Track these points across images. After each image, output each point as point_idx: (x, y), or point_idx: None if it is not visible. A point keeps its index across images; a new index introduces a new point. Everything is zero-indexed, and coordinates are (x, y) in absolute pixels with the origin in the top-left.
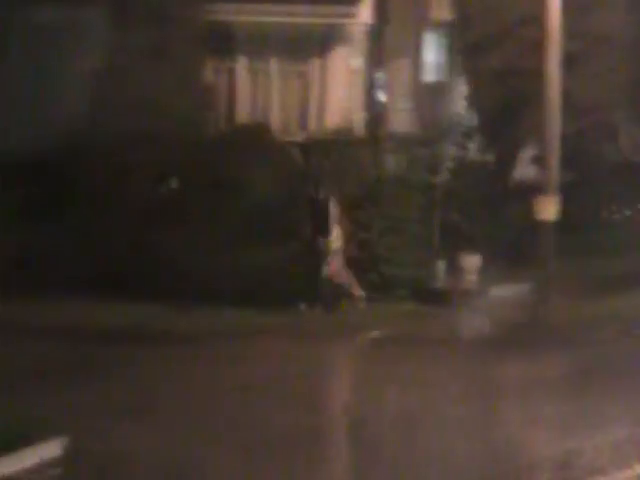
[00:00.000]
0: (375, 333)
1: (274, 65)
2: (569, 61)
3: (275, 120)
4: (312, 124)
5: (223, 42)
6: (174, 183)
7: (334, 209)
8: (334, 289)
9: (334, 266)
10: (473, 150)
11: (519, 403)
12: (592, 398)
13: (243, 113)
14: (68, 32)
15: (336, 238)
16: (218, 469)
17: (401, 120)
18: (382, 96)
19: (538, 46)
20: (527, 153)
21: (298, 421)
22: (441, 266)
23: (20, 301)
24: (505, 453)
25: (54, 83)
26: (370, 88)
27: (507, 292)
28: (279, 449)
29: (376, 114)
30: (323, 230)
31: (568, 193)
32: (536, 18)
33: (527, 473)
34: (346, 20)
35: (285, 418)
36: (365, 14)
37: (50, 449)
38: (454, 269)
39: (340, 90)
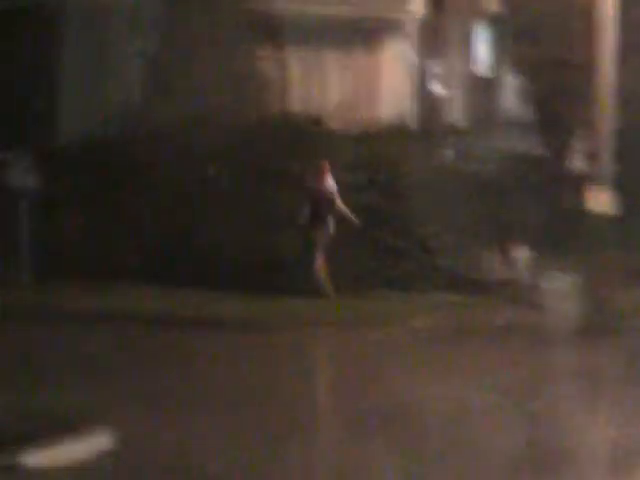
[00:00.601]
0: (419, 322)
1: (326, 56)
2: (624, 52)
3: (326, 111)
4: (363, 115)
5: (275, 31)
6: (224, 170)
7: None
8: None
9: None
10: (523, 142)
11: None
12: None
13: (294, 103)
14: (125, 16)
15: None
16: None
17: (453, 112)
18: (434, 87)
19: (590, 37)
20: (578, 145)
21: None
22: (489, 257)
23: (72, 287)
24: None
25: (109, 67)
26: (422, 79)
27: (556, 283)
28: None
29: (428, 105)
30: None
31: (619, 185)
32: (589, 7)
33: None
34: (398, 11)
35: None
36: (418, 5)
37: (101, 440)
38: (503, 259)
39: (392, 81)
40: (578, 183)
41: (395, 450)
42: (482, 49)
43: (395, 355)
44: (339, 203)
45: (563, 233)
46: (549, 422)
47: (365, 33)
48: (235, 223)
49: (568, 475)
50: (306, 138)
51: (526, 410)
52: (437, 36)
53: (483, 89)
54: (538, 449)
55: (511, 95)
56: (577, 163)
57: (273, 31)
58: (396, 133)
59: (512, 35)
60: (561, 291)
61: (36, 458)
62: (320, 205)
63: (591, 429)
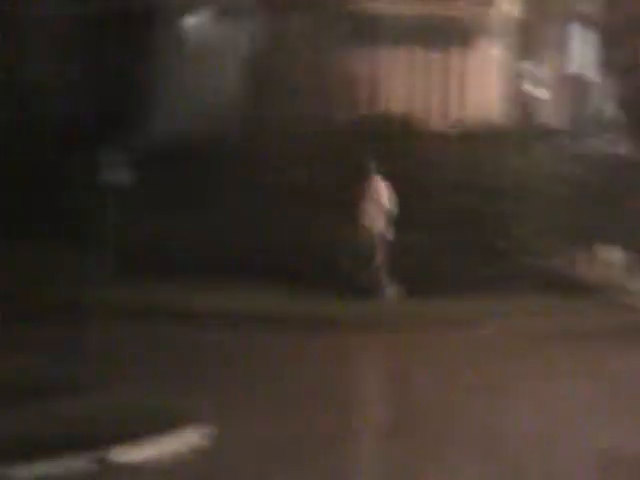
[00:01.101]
0: (510, 324)
1: (417, 54)
2: None
3: (417, 109)
4: (454, 114)
5: (371, 32)
6: (313, 170)
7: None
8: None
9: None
10: (615, 143)
11: None
12: None
13: (388, 102)
14: (220, 15)
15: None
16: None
17: (544, 112)
18: (526, 87)
19: None
20: None
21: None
22: (584, 259)
23: (163, 284)
24: None
25: (207, 70)
26: (514, 79)
27: None
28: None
29: (519, 105)
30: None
31: None
32: None
33: None
34: (493, 11)
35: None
36: (513, 6)
37: (191, 435)
38: (597, 262)
39: (482, 80)
40: None
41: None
42: (576, 50)
43: (504, 355)
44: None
45: None
46: None
47: (458, 33)
48: (327, 223)
49: None
50: (401, 138)
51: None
52: (531, 37)
53: (577, 90)
54: None
55: (604, 97)
56: None
57: (369, 32)
58: (491, 133)
59: (606, 37)
60: None
61: (128, 454)
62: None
63: None
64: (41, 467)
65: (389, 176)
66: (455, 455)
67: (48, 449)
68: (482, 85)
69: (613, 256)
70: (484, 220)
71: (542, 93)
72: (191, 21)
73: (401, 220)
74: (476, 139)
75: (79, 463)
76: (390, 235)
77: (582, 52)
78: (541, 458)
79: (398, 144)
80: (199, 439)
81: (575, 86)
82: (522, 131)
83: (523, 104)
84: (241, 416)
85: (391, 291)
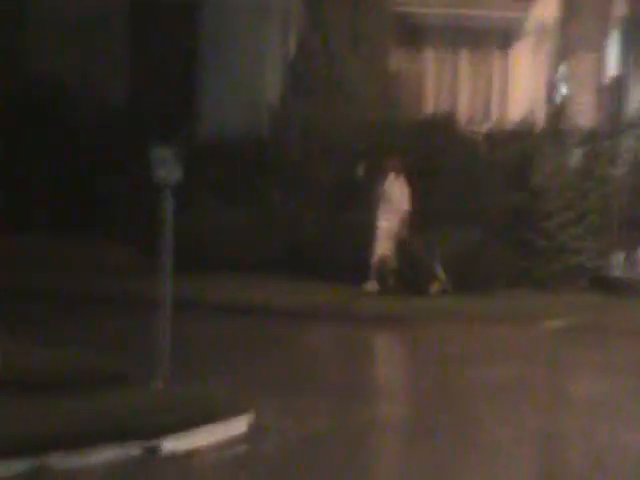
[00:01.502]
0: (558, 322)
1: (461, 56)
2: None
3: (461, 110)
4: (496, 114)
5: (412, 33)
6: (363, 168)
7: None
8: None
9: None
10: None
11: None
12: None
13: (430, 101)
14: (266, 15)
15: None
16: None
17: (583, 113)
18: (565, 89)
19: None
20: None
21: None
22: (621, 257)
23: (212, 278)
24: None
25: (252, 67)
26: (553, 81)
27: None
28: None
29: (558, 107)
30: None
31: None
32: None
33: None
34: (531, 14)
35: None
36: (550, 9)
37: (236, 425)
38: (633, 260)
39: (523, 82)
40: None
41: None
42: (614, 53)
43: (556, 350)
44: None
45: None
46: None
47: (498, 35)
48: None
49: None
50: (444, 137)
51: None
52: (569, 39)
53: (613, 91)
54: None
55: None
56: None
57: (416, 34)
58: (526, 133)
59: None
60: None
61: (175, 443)
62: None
63: None
64: (95, 456)
65: (433, 174)
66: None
67: (102, 439)
68: (522, 87)
69: None
70: (528, 219)
71: (581, 95)
72: (238, 23)
73: (450, 217)
74: (518, 139)
75: (132, 452)
76: (406, 234)
77: (620, 54)
78: None
79: (443, 143)
80: (243, 427)
81: (615, 88)
82: (560, 132)
83: (561, 106)
84: (284, 405)
85: (438, 288)
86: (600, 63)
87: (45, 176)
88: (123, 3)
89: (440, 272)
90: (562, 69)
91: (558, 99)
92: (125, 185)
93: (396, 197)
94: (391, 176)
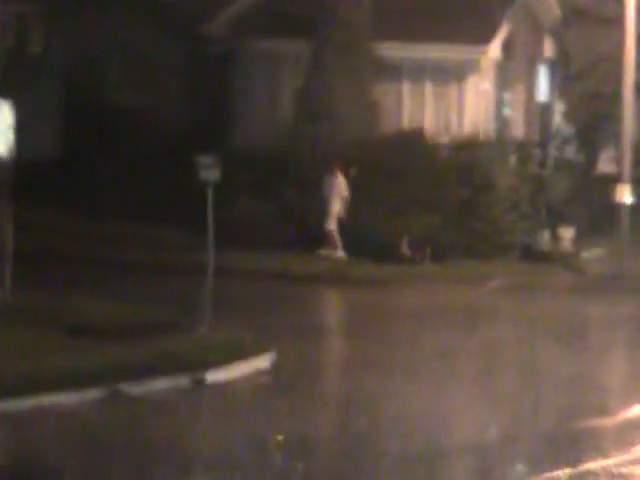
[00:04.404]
0: (498, 282)
1: (427, 88)
2: None
3: (426, 127)
4: (453, 130)
5: (393, 71)
6: (354, 172)
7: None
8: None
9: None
10: (569, 152)
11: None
12: None
13: (402, 121)
14: (282, 59)
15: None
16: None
17: (518, 129)
18: (505, 111)
19: (617, 76)
20: (609, 154)
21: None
22: (545, 235)
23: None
24: None
25: (274, 97)
26: (496, 106)
27: (592, 255)
28: None
29: (500, 124)
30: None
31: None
32: (615, 55)
33: None
34: (480, 55)
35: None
36: (494, 51)
37: (261, 361)
38: (554, 237)
39: (474, 106)
40: (608, 181)
41: None
42: (541, 84)
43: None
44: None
45: (598, 218)
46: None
47: (456, 71)
48: (367, 209)
49: None
50: (414, 147)
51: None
52: (506, 74)
53: (541, 113)
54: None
55: (561, 117)
56: (607, 166)
57: (393, 70)
58: (480, 145)
59: (563, 74)
60: (596, 260)
61: (215, 375)
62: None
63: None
64: (153, 385)
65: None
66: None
67: (157, 372)
68: (474, 110)
69: (568, 233)
70: (479, 207)
71: (516, 115)
72: (263, 65)
73: (416, 207)
74: (469, 148)
75: (182, 383)
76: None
77: (546, 85)
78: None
79: (412, 151)
80: (266, 363)
81: (542, 110)
82: (501, 143)
83: (503, 124)
84: (298, 346)
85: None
86: (531, 92)
87: (121, 177)
88: (184, 54)
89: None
90: (504, 96)
91: (500, 118)
92: (181, 183)
93: (341, 188)
94: (337, 173)
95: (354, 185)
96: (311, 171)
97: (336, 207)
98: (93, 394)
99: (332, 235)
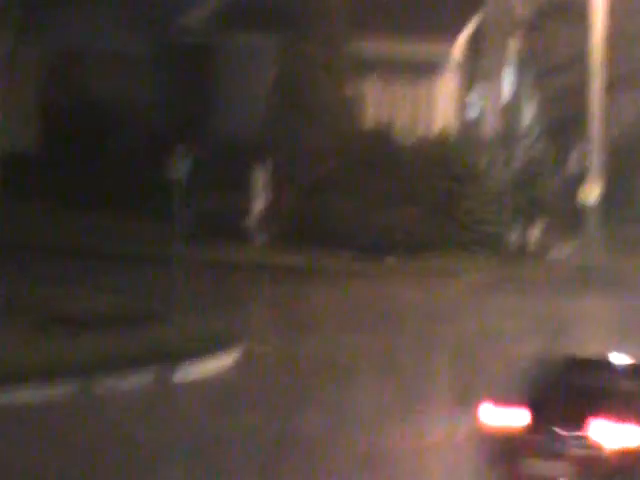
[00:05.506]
0: (471, 276)
1: (396, 85)
2: (611, 85)
3: (396, 124)
4: (422, 128)
5: (363, 66)
6: (331, 164)
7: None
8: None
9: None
10: (538, 150)
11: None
12: None
13: (373, 118)
14: (260, 54)
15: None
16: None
17: (486, 127)
18: (473, 110)
19: (585, 74)
20: (577, 152)
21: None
22: (515, 231)
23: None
24: None
25: (251, 90)
26: (464, 104)
27: (562, 251)
28: None
29: (468, 122)
30: None
31: (609, 180)
32: (584, 53)
33: None
34: (447, 54)
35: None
36: (461, 50)
37: (231, 356)
38: (524, 233)
39: (442, 104)
40: (575, 179)
41: None
42: (509, 83)
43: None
44: None
45: (566, 214)
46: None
47: (424, 70)
48: (345, 201)
49: None
50: (385, 143)
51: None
52: (474, 72)
53: (509, 112)
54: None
55: (530, 116)
56: (574, 164)
57: (362, 67)
58: (448, 142)
59: (531, 73)
60: (564, 255)
61: (188, 368)
62: None
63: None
64: (122, 377)
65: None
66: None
67: (129, 363)
68: (443, 108)
69: (538, 229)
70: (456, 201)
71: (485, 114)
72: (240, 60)
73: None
74: (438, 145)
75: (154, 373)
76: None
77: (513, 83)
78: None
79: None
80: (236, 358)
81: (510, 109)
82: (470, 142)
83: (471, 122)
84: (273, 339)
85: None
86: (499, 90)
87: (99, 170)
88: (162, 47)
89: None
90: (471, 95)
91: (468, 117)
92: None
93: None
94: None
95: (332, 178)
96: (286, 163)
97: (259, 201)
98: (64, 388)
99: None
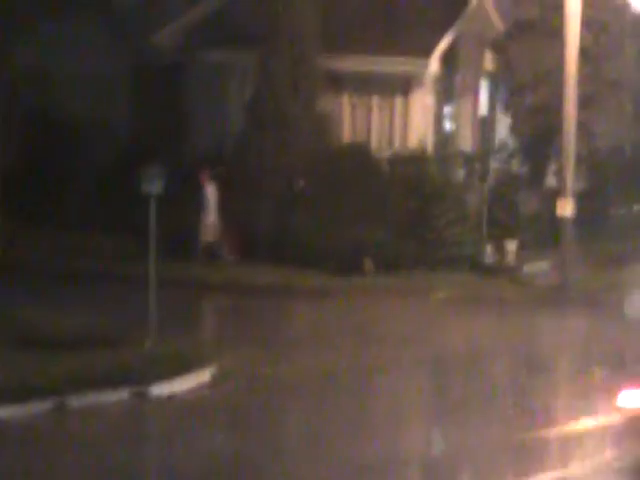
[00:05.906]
0: (442, 294)
1: (372, 101)
2: (585, 101)
3: (371, 140)
4: (397, 144)
5: (338, 83)
6: (302, 183)
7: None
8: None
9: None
10: (514, 165)
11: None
12: None
13: (348, 134)
14: (231, 71)
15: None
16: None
17: (462, 142)
18: (448, 125)
19: (560, 89)
20: (552, 168)
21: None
22: (489, 248)
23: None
24: None
25: (221, 107)
26: (439, 119)
27: (537, 268)
28: None
29: (443, 138)
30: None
31: (584, 196)
32: (559, 68)
33: None
34: (422, 69)
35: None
36: (435, 65)
37: (203, 374)
38: (499, 250)
39: (418, 120)
40: (550, 194)
41: None
42: (484, 97)
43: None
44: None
45: (544, 231)
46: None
47: (398, 85)
48: (316, 219)
49: None
50: (357, 160)
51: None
52: (449, 87)
53: (484, 126)
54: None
55: (505, 131)
56: (550, 180)
57: (336, 83)
58: (423, 157)
59: (506, 88)
60: (539, 273)
61: (158, 389)
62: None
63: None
64: (94, 397)
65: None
66: None
67: (102, 384)
68: (417, 123)
69: (512, 246)
70: (427, 219)
71: (461, 129)
72: (211, 77)
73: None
74: (413, 161)
75: (124, 396)
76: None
77: (488, 98)
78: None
79: (355, 165)
80: (210, 376)
81: (485, 123)
82: (445, 156)
83: (446, 137)
84: (247, 357)
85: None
86: (474, 105)
87: (71, 188)
88: (130, 66)
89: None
90: (446, 109)
91: (443, 132)
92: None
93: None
94: (207, 184)
95: (303, 197)
96: (258, 182)
97: (210, 218)
98: (37, 407)
99: (210, 246)
